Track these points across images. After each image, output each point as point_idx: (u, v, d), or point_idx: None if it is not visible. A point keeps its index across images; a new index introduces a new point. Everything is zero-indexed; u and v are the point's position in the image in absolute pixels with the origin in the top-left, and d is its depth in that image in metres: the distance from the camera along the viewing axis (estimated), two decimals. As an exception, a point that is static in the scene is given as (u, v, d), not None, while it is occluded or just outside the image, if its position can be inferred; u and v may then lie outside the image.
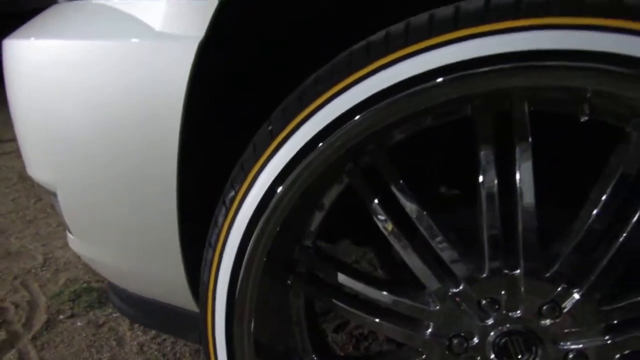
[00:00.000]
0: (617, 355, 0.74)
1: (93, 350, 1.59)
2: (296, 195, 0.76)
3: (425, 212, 0.75)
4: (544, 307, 0.74)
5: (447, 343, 0.79)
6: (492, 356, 0.78)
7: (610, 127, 0.71)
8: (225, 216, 0.78)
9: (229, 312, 0.82)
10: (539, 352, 0.76)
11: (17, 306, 1.83)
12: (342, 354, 1.55)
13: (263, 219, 0.76)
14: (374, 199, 0.78)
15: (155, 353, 1.56)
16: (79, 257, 1.50)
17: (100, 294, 1.89)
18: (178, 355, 1.55)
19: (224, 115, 0.87)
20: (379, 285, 0.83)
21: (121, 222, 0.95)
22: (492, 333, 0.78)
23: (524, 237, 0.72)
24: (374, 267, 2.00)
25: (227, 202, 0.78)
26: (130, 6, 0.80)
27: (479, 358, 0.79)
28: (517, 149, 0.71)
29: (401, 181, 0.76)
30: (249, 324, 0.83)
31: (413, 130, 0.77)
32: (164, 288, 1.02)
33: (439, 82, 0.65)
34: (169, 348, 1.58)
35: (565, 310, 0.74)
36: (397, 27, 0.68)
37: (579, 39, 0.61)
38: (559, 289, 0.73)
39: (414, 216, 0.76)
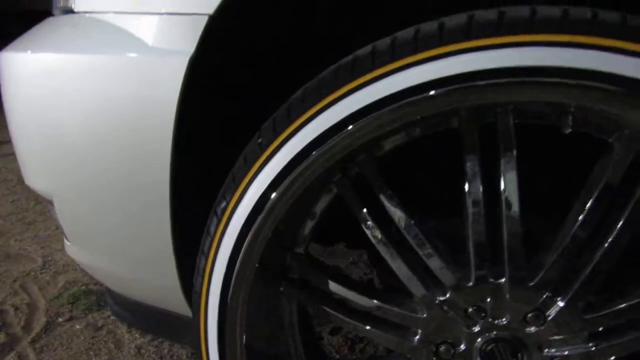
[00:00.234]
0: (601, 362, 0.76)
1: (91, 353, 1.61)
2: (286, 205, 0.77)
3: (412, 222, 0.77)
4: (529, 315, 0.76)
5: (434, 349, 0.81)
6: (479, 362, 0.79)
7: (594, 139, 0.72)
8: (217, 226, 0.80)
9: (221, 319, 0.83)
10: (525, 358, 0.78)
11: (16, 309, 1.85)
12: (337, 356, 1.57)
13: (254, 228, 0.78)
14: (362, 208, 0.79)
15: (153, 355, 1.58)
16: (77, 261, 1.52)
17: (99, 296, 1.90)
18: (175, 357, 1.57)
19: (215, 126, 0.89)
20: (368, 293, 0.84)
21: (116, 230, 0.97)
22: (478, 339, 0.79)
23: (509, 246, 0.74)
24: (371, 269, 2.02)
25: (219, 212, 0.80)
26: (124, 21, 0.82)
27: (466, 364, 0.80)
28: (502, 159, 0.73)
29: (389, 191, 0.78)
30: (241, 330, 0.84)
31: (402, 141, 0.78)
32: (159, 294, 1.03)
33: (428, 96, 0.67)
34: (166, 350, 1.60)
35: (549, 317, 0.75)
36: (384, 42, 0.70)
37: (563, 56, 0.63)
38: (543, 297, 0.75)
39: (402, 225, 0.78)
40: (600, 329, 0.76)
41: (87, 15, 0.87)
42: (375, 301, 0.83)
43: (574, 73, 0.62)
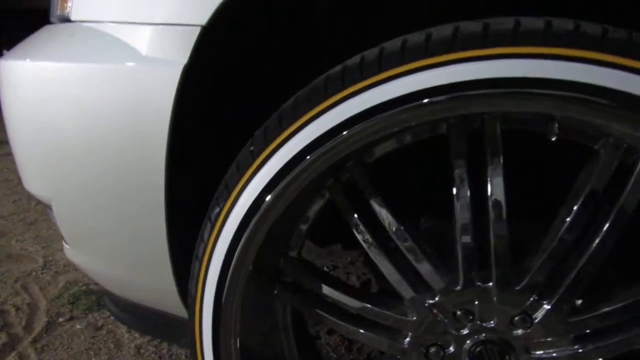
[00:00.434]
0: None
1: (91, 352, 1.63)
2: (279, 211, 0.79)
3: (402, 227, 0.79)
4: (516, 318, 0.78)
5: (424, 351, 0.83)
6: (468, 364, 0.81)
7: (580, 146, 0.74)
8: (211, 232, 0.82)
9: (215, 322, 0.85)
10: (512, 360, 0.80)
11: (17, 309, 1.87)
12: (334, 356, 1.59)
13: (247, 233, 0.80)
14: (353, 213, 0.81)
15: (152, 355, 1.60)
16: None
17: (99, 296, 1.92)
18: (174, 357, 1.59)
19: (208, 133, 0.91)
20: (359, 296, 0.86)
21: (113, 233, 0.99)
22: (467, 342, 0.81)
23: (496, 250, 0.76)
24: (367, 269, 2.03)
25: (213, 218, 0.82)
26: (119, 31, 0.83)
27: (455, 366, 0.82)
28: (490, 165, 0.74)
29: (379, 196, 0.79)
30: (235, 333, 0.86)
31: (392, 147, 0.80)
32: (156, 296, 1.05)
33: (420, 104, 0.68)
34: (165, 350, 1.62)
35: (536, 320, 0.77)
36: (372, 52, 0.71)
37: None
38: (530, 300, 0.76)
39: (392, 230, 0.79)
40: (586, 331, 0.77)
41: (84, 24, 0.89)
42: (366, 304, 0.85)
43: (558, 84, 0.63)
